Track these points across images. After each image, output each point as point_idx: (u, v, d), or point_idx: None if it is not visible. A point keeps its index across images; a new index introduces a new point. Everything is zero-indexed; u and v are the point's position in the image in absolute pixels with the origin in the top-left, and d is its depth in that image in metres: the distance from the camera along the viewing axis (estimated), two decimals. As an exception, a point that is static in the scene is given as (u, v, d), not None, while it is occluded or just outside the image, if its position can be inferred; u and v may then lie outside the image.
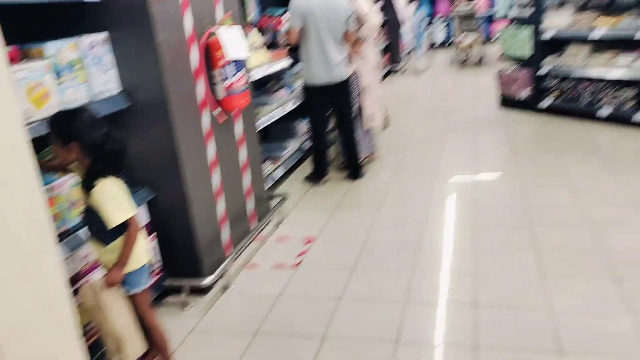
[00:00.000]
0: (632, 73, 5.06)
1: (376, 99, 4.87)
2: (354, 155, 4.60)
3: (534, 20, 5.84)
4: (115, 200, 1.99)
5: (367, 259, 3.27)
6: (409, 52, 10.36)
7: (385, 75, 9.76)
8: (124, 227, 2.02)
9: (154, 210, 2.85)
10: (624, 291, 2.60)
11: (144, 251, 2.15)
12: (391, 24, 9.87)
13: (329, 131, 4.71)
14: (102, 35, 2.49)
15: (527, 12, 5.94)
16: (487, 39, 11.15)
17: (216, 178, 3.10)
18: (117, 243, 2.05)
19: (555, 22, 5.69)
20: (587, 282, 2.74)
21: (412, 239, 3.42)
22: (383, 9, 9.71)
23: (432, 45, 12.75)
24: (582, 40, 5.57)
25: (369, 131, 4.95)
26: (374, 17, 4.61)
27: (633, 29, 4.96)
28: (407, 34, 9.98)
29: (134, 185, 2.53)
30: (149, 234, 2.80)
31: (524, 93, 6.18)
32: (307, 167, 4.86)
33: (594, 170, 4.22)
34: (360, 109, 4.77)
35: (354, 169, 4.62)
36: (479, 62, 9.76)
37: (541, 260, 2.98)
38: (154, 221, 2.87)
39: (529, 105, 6.15)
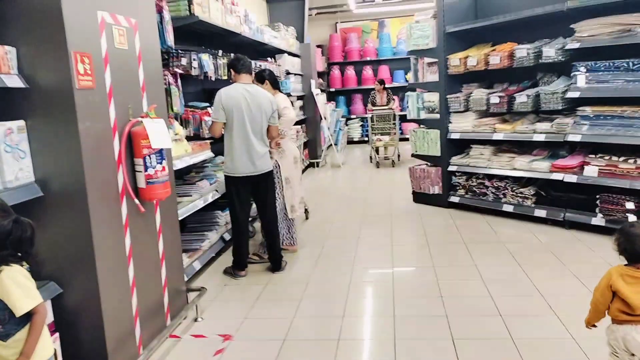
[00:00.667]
0: (530, 173, 5.56)
1: (297, 191, 4.98)
2: (275, 246, 4.59)
3: (442, 123, 6.36)
4: (22, 287, 1.87)
5: (287, 356, 3.17)
6: (328, 147, 10.80)
7: (305, 169, 10.05)
8: (27, 318, 1.89)
9: (60, 308, 2.65)
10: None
11: (49, 343, 2.00)
12: (311, 120, 10.35)
13: (250, 222, 4.71)
14: (20, 123, 2.41)
15: (435, 115, 6.48)
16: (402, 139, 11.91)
17: (132, 271, 2.96)
18: (19, 336, 1.88)
19: (461, 125, 6.23)
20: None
21: (333, 333, 3.39)
22: (303, 107, 10.22)
23: (350, 142, 13.37)
24: (485, 142, 6.12)
25: (290, 222, 4.99)
26: (291, 112, 4.83)
27: (529, 132, 5.52)
28: (326, 129, 10.45)
29: (40, 279, 2.36)
30: (52, 333, 2.57)
31: (435, 189, 6.57)
32: (227, 259, 4.77)
33: (500, 262, 4.47)
34: (282, 200, 4.84)
35: (275, 261, 4.59)
36: (394, 161, 10.02)
37: (460, 351, 3.04)
38: (58, 320, 2.65)
39: (440, 200, 6.53)
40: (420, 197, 6.83)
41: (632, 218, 4.61)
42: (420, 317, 3.54)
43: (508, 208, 5.77)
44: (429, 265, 4.53)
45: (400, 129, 11.14)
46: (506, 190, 5.86)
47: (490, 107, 5.89)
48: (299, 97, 9.97)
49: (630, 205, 4.71)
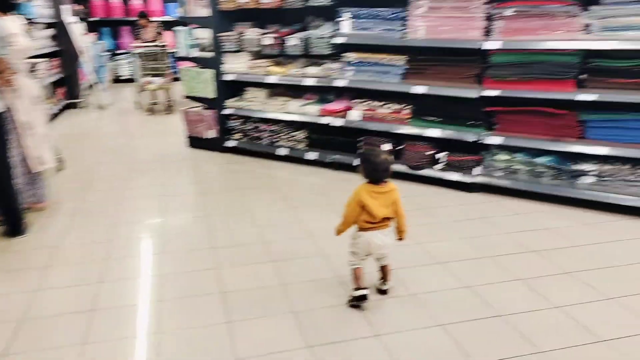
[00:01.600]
0: (302, 117, 5.63)
1: (42, 138, 4.19)
2: (11, 206, 3.80)
3: (215, 63, 6.02)
4: None
5: (25, 339, 2.65)
6: (91, 87, 9.56)
7: (61, 111, 8.76)
8: None
9: None
10: (303, 327, 2.70)
11: None
12: (67, 54, 8.97)
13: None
14: None
15: (208, 54, 6.09)
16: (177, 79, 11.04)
17: None
18: None
19: (235, 66, 5.97)
20: (271, 323, 2.76)
21: (86, 303, 2.94)
22: (56, 37, 8.77)
23: (118, 80, 12.10)
24: (260, 85, 5.99)
25: (35, 176, 4.21)
26: (23, 41, 3.92)
27: (301, 76, 5.54)
28: (86, 66, 9.17)
29: None
30: None
31: (211, 133, 6.28)
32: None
33: (276, 208, 4.46)
34: (22, 151, 4.01)
35: (12, 224, 3.82)
36: (169, 107, 8.92)
37: (227, 305, 2.90)
38: None
39: (216, 145, 6.27)
40: (195, 142, 6.47)
41: (385, 147, 5.00)
42: (189, 273, 3.30)
43: (282, 152, 5.80)
44: (203, 214, 4.29)
45: (175, 68, 10.27)
46: (280, 134, 5.86)
47: (263, 49, 5.73)
48: (49, 25, 8.51)
49: (387, 146, 5.10)
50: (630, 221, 3.99)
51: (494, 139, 4.55)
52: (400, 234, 2.88)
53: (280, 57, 5.91)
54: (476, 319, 2.74)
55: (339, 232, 2.85)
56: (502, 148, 4.62)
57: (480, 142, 4.62)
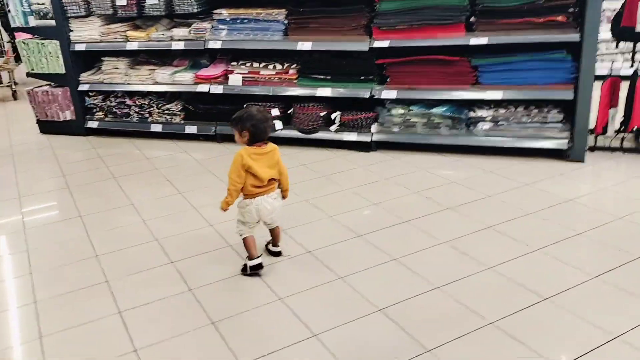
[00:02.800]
0: (174, 87, 4.96)
1: None
2: None
3: (60, 32, 5.07)
4: None
5: None
6: None
7: None
8: None
9: None
10: (204, 303, 2.27)
11: None
12: None
13: None
14: None
15: (50, 22, 5.11)
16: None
17: None
18: None
19: (85, 34, 5.08)
20: (168, 306, 2.29)
21: None
22: None
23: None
24: (119, 53, 5.17)
25: None
26: None
27: (167, 40, 4.84)
28: None
29: None
30: None
31: (67, 114, 5.37)
32: None
33: (158, 193, 3.86)
34: None
35: None
36: (14, 92, 7.49)
37: (117, 294, 2.37)
38: None
39: (75, 127, 5.39)
40: (48, 127, 5.51)
41: (273, 112, 4.58)
42: (74, 291, 2.67)
43: (157, 128, 5.11)
44: (74, 215, 3.57)
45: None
46: (152, 108, 5.15)
47: (117, 11, 4.92)
48: None
49: (275, 111, 4.65)
50: (527, 164, 4.00)
51: (388, 93, 4.30)
52: (284, 192, 2.79)
53: (139, 19, 5.14)
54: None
55: (227, 204, 2.62)
56: (397, 102, 4.40)
57: (374, 97, 4.35)
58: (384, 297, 2.46)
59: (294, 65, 4.62)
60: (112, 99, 5.27)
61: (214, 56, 5.15)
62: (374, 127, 4.45)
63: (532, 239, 2.91)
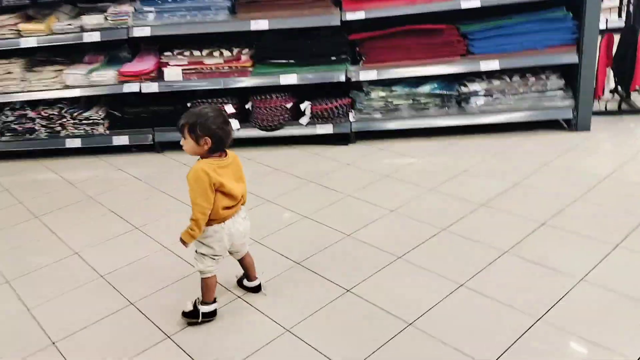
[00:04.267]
0: (92, 89, 3.95)
1: None
2: None
3: None
4: None
5: None
6: None
7: None
8: None
9: None
10: None
11: None
12: None
13: None
14: None
15: None
16: None
17: None
18: None
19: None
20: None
21: None
22: None
23: None
24: (10, 54, 4.04)
25: None
26: None
27: (77, 32, 3.82)
28: None
29: None
30: None
31: (-53, 138, 4.16)
32: None
33: (92, 227, 2.94)
34: None
35: None
36: None
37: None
38: None
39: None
40: None
41: (227, 109, 3.78)
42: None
43: (74, 143, 4.07)
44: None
45: None
46: (64, 119, 4.09)
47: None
48: None
49: (229, 108, 3.84)
50: (532, 139, 3.57)
51: (367, 74, 3.66)
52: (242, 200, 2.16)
53: (32, 8, 4.04)
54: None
55: (193, 237, 1.98)
56: (376, 83, 3.78)
57: (351, 81, 3.70)
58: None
59: (247, 50, 3.82)
60: (9, 113, 4.13)
61: (136, 47, 4.19)
62: (351, 116, 3.80)
63: (606, 233, 2.44)
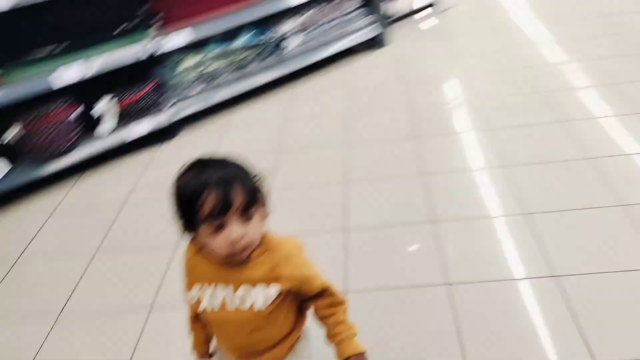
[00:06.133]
0: None
1: None
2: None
3: None
4: None
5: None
6: None
7: None
8: None
9: None
10: None
11: None
12: None
13: None
14: None
15: None
16: None
17: None
18: None
19: None
20: None
21: None
22: None
23: None
24: None
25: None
26: None
27: None
28: None
29: None
30: None
31: None
32: None
33: None
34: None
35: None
36: None
37: None
38: None
39: None
40: None
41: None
42: None
43: None
44: None
45: None
46: None
47: None
48: None
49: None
50: (354, 65, 3.39)
51: (175, 39, 2.71)
52: None
53: None
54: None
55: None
56: (184, 50, 2.85)
57: (155, 55, 2.68)
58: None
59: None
60: None
61: None
62: (167, 102, 2.81)
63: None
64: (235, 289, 1.00)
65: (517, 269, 1.67)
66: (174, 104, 2.85)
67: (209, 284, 1.02)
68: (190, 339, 1.18)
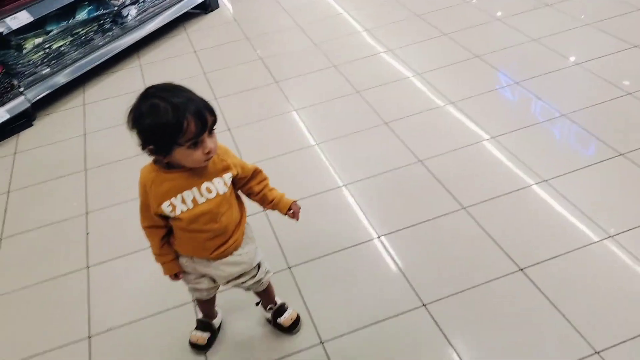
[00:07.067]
0: None
1: None
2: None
3: None
4: None
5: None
6: None
7: None
8: None
9: None
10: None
11: None
12: None
13: None
14: None
15: None
16: None
17: None
18: None
19: None
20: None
21: None
22: None
23: None
24: None
25: None
26: None
27: None
28: None
29: None
30: None
31: None
32: None
33: None
34: None
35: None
36: None
37: None
38: None
39: None
40: None
41: None
42: None
43: None
44: None
45: None
46: None
47: None
48: None
49: None
50: (201, 31, 3.53)
51: (6, 25, 2.60)
52: None
53: None
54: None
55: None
56: (24, 33, 2.73)
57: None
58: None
59: None
60: None
61: None
62: (17, 87, 2.71)
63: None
64: (199, 188, 1.23)
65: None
66: (26, 88, 2.75)
67: (176, 195, 1.21)
68: (154, 251, 1.34)
